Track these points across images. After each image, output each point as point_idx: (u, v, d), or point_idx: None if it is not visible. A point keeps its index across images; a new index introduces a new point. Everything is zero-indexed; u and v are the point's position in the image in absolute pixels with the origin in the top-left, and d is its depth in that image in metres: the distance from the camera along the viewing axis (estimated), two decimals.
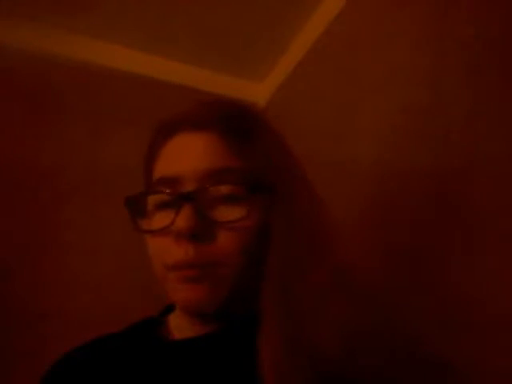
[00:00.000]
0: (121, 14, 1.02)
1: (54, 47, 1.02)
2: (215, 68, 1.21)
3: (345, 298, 0.38)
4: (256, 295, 0.39)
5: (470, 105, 0.60)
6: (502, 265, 0.53)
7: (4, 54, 0.96)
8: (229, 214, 0.40)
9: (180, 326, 0.46)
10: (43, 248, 0.90)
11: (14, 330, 0.81)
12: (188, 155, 0.42)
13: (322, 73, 1.02)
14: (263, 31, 1.09)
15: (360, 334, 0.37)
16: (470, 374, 0.48)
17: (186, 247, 0.39)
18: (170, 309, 0.50)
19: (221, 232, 0.40)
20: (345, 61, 0.93)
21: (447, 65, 0.65)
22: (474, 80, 0.60)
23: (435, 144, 0.65)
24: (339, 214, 0.49)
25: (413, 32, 0.74)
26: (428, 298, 0.61)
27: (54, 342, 0.48)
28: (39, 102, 0.99)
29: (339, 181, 0.85)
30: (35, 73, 0.99)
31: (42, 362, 0.47)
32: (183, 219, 0.39)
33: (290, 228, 0.41)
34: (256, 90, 1.27)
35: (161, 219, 0.42)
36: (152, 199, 0.44)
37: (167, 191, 0.42)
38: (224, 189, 0.41)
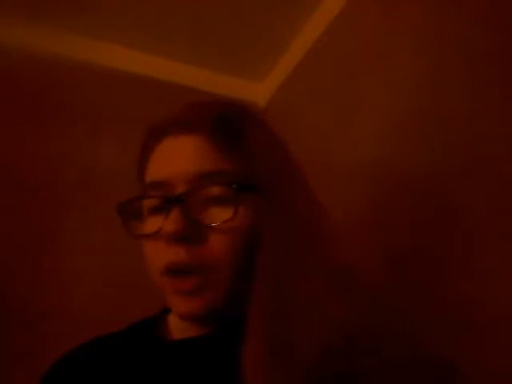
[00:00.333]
0: (121, 14, 1.02)
1: (54, 47, 1.02)
2: (215, 68, 1.21)
3: (340, 300, 0.38)
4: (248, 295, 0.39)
5: (470, 105, 0.60)
6: (502, 265, 0.53)
7: (3, 54, 0.95)
8: (218, 215, 0.40)
9: (179, 326, 0.46)
10: (43, 248, 0.90)
11: (14, 329, 0.81)
12: (177, 158, 0.42)
13: (322, 73, 1.02)
14: (263, 31, 1.09)
15: (357, 335, 0.37)
16: (470, 374, 0.48)
17: (176, 250, 0.39)
18: (168, 309, 0.50)
19: (210, 234, 0.40)
20: (345, 61, 0.93)
21: (447, 65, 0.65)
22: (473, 80, 0.60)
23: (435, 144, 0.65)
24: (338, 214, 0.49)
25: (413, 32, 0.74)
26: (427, 299, 0.61)
27: (53, 341, 0.49)
28: (38, 102, 0.99)
29: (339, 181, 0.84)
30: (34, 72, 0.99)
31: (41, 361, 0.47)
32: (172, 222, 0.39)
33: (280, 230, 0.41)
34: (256, 90, 1.27)
35: (153, 223, 0.42)
36: (145, 204, 0.44)
37: (156, 195, 0.42)
38: (213, 191, 0.41)
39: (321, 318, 0.37)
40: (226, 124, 0.44)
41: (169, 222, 0.39)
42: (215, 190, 0.41)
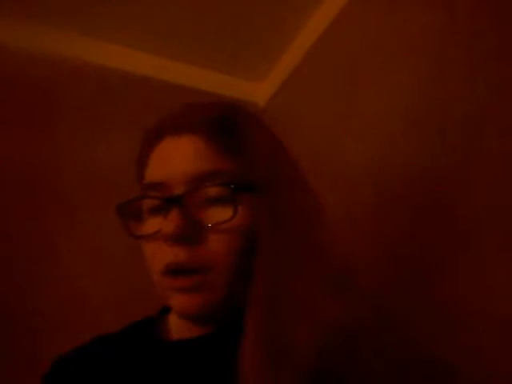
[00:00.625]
0: (121, 14, 1.02)
1: (54, 47, 1.02)
2: (215, 68, 1.21)
3: (338, 301, 0.38)
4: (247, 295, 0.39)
5: (470, 105, 0.60)
6: (500, 264, 0.53)
7: (3, 54, 0.95)
8: (217, 216, 0.40)
9: (179, 327, 0.46)
10: (43, 248, 0.90)
11: (14, 329, 0.81)
12: (176, 159, 0.42)
13: (322, 73, 1.02)
14: (263, 31, 1.09)
15: (356, 336, 0.37)
16: (470, 374, 0.48)
17: (176, 250, 0.40)
18: (168, 308, 0.50)
19: (209, 234, 0.40)
20: (345, 61, 0.93)
21: (445, 67, 0.65)
22: (474, 81, 0.60)
23: (433, 146, 0.65)
24: (338, 213, 0.49)
25: (412, 33, 0.74)
26: (426, 300, 0.61)
27: (54, 341, 0.49)
28: (38, 102, 0.99)
29: (339, 181, 0.85)
30: (33, 72, 0.99)
31: (42, 362, 0.47)
32: (171, 223, 0.39)
33: (279, 230, 0.41)
34: (256, 90, 1.27)
35: (152, 224, 0.42)
36: (145, 205, 0.44)
37: (155, 196, 0.42)
38: (211, 191, 0.41)
39: (319, 319, 0.37)
40: (224, 125, 0.44)
41: (168, 223, 0.39)
42: (214, 191, 0.41)
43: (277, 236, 0.40)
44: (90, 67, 1.06)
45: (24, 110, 0.97)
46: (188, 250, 0.40)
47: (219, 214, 0.40)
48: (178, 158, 0.42)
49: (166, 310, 0.50)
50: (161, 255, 0.41)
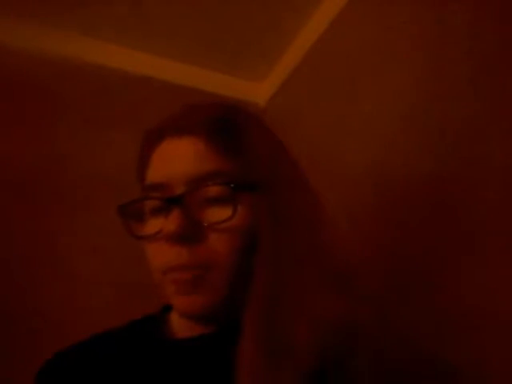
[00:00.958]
0: (120, 14, 1.02)
1: (53, 47, 1.02)
2: (215, 68, 1.21)
3: (338, 301, 0.38)
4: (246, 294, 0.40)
5: (470, 106, 0.60)
6: (502, 264, 0.53)
7: (2, 54, 0.95)
8: (217, 215, 0.40)
9: (181, 325, 0.46)
10: (43, 247, 0.90)
11: (14, 329, 0.81)
12: (176, 160, 0.43)
13: (322, 73, 1.02)
14: (263, 31, 1.09)
15: (356, 336, 0.37)
16: (470, 374, 0.48)
17: (178, 250, 0.40)
18: (169, 307, 0.50)
19: (210, 233, 0.41)
20: (345, 61, 0.93)
21: (446, 67, 0.65)
22: (473, 81, 0.60)
23: (433, 146, 0.65)
24: (339, 214, 0.49)
25: (412, 32, 0.74)
26: (426, 300, 0.61)
27: (53, 341, 0.49)
28: (38, 102, 0.99)
29: (339, 180, 0.84)
30: (33, 72, 0.99)
31: (41, 362, 0.47)
32: (172, 223, 0.39)
33: (279, 229, 0.41)
34: (256, 90, 1.27)
35: (153, 224, 0.43)
36: (146, 205, 0.44)
37: (156, 196, 0.43)
38: (212, 191, 0.41)
39: (319, 318, 0.37)
40: (225, 125, 0.44)
41: (169, 223, 0.40)
42: (214, 190, 0.41)
43: (277, 235, 0.41)
44: (90, 67, 1.06)
45: (24, 109, 0.97)
46: (189, 250, 0.40)
47: (220, 214, 0.40)
48: (179, 158, 0.43)
49: (167, 309, 0.51)
50: (162, 255, 0.41)
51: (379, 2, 0.84)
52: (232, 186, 0.40)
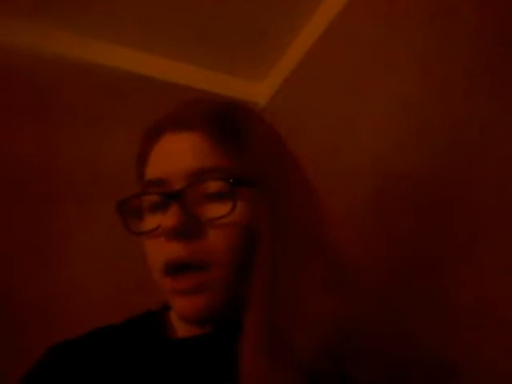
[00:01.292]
0: (120, 13, 1.02)
1: (53, 46, 1.02)
2: (215, 68, 1.21)
3: (338, 298, 0.38)
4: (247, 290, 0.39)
5: (470, 104, 0.60)
6: (503, 264, 0.53)
7: (2, 53, 0.95)
8: (216, 211, 0.40)
9: (181, 324, 0.45)
10: (43, 245, 0.90)
11: (15, 327, 0.81)
12: (175, 156, 0.42)
13: (323, 73, 1.02)
14: (263, 31, 1.09)
15: (356, 334, 0.37)
16: (469, 375, 0.48)
17: (175, 246, 0.40)
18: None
19: (209, 229, 0.40)
20: (345, 61, 0.93)
21: (447, 65, 0.65)
22: (473, 80, 0.60)
23: (434, 148, 0.65)
24: (340, 212, 0.49)
25: (413, 32, 0.74)
26: (426, 299, 0.61)
27: (57, 337, 0.48)
28: (38, 102, 0.99)
29: (339, 180, 0.84)
30: (33, 72, 0.99)
31: None
32: (170, 218, 0.39)
33: (278, 225, 0.41)
34: (256, 90, 1.27)
35: (152, 220, 0.42)
36: (145, 202, 0.44)
37: (154, 192, 0.42)
38: (211, 186, 0.41)
39: (319, 317, 0.37)
40: (224, 120, 0.44)
41: (167, 218, 0.39)
42: (213, 186, 0.41)
43: (277, 232, 0.40)
44: (90, 67, 1.05)
45: (24, 109, 0.97)
46: (187, 246, 0.39)
47: (219, 209, 0.40)
48: (178, 154, 0.42)
49: (167, 306, 0.50)
50: (161, 251, 0.41)
51: (379, 2, 0.84)
52: (231, 181, 0.40)
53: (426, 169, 0.66)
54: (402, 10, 0.77)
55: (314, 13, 1.03)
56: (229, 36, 1.10)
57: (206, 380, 0.40)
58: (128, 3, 0.99)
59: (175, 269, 0.40)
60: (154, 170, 0.44)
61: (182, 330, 0.45)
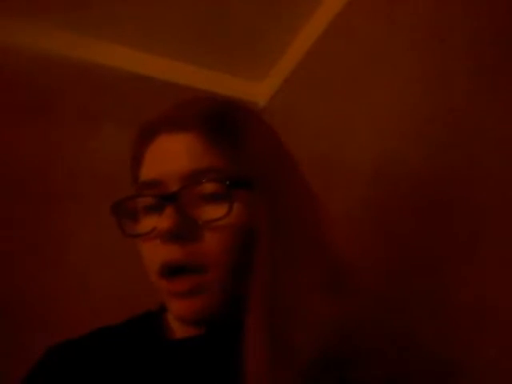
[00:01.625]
0: (120, 13, 1.01)
1: (53, 46, 1.02)
2: (215, 67, 1.21)
3: (337, 299, 0.38)
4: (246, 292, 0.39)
5: (470, 104, 0.60)
6: (503, 263, 0.53)
7: (2, 53, 0.95)
8: (212, 213, 0.40)
9: (178, 324, 0.45)
10: (42, 247, 0.90)
11: (15, 328, 0.81)
12: (170, 157, 0.42)
13: (323, 73, 1.02)
14: (263, 31, 1.09)
15: (356, 335, 0.37)
16: (469, 375, 0.48)
17: (171, 248, 0.39)
18: None
19: (205, 231, 0.40)
20: (345, 61, 0.93)
21: (447, 66, 0.65)
22: (473, 81, 0.60)
23: (434, 148, 0.65)
24: (339, 213, 0.49)
25: (413, 32, 0.74)
26: (426, 299, 0.61)
27: (59, 336, 0.49)
28: (38, 101, 0.99)
29: (339, 180, 0.84)
30: (32, 71, 0.99)
31: None
32: (166, 220, 0.39)
33: (276, 226, 0.40)
34: (256, 90, 1.27)
35: (147, 223, 0.42)
36: (140, 203, 0.43)
37: (150, 194, 0.42)
38: (206, 188, 0.40)
39: (319, 318, 0.36)
40: (219, 120, 0.43)
41: (163, 220, 0.39)
42: (209, 187, 0.40)
43: (275, 233, 0.40)
44: (90, 67, 1.05)
45: (24, 109, 0.97)
46: (183, 248, 0.39)
47: (215, 211, 0.40)
48: (173, 155, 0.42)
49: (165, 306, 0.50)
50: (156, 254, 0.40)
51: (379, 2, 0.84)
52: (227, 182, 0.40)
53: (426, 169, 0.66)
54: (402, 10, 0.77)
55: (313, 13, 1.03)
56: (229, 36, 1.10)
57: (204, 381, 0.40)
58: (128, 3, 0.99)
59: (171, 271, 0.40)
60: (148, 172, 0.43)
61: (179, 330, 0.45)
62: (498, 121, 0.56)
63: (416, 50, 0.72)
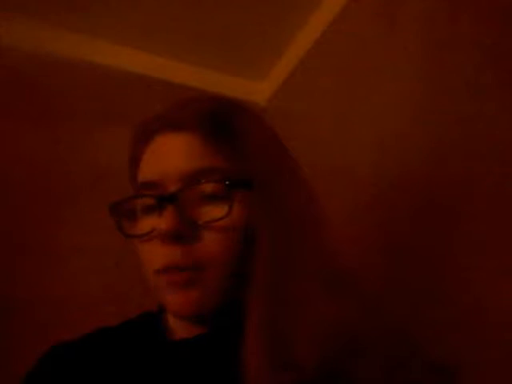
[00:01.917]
0: (119, 13, 1.02)
1: (54, 46, 1.02)
2: (215, 67, 1.21)
3: (337, 300, 0.38)
4: (245, 294, 0.39)
5: (471, 109, 0.60)
6: (503, 265, 0.53)
7: (3, 53, 0.95)
8: (212, 213, 0.39)
9: (177, 325, 0.45)
10: (41, 246, 0.90)
11: (14, 328, 0.81)
12: (169, 157, 0.41)
13: (323, 72, 1.02)
14: (264, 30, 1.09)
15: (355, 336, 0.37)
16: (469, 375, 0.48)
17: (171, 249, 0.39)
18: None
19: (205, 232, 0.40)
20: (345, 60, 0.93)
21: (447, 66, 0.65)
22: (474, 84, 0.60)
23: (434, 148, 0.65)
24: (339, 212, 0.49)
25: (413, 32, 0.74)
26: (426, 300, 0.61)
27: (57, 336, 0.49)
28: (38, 101, 0.99)
29: (338, 180, 0.84)
30: (31, 71, 0.99)
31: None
32: (165, 221, 0.38)
33: (276, 227, 0.40)
34: (256, 90, 1.27)
35: (146, 223, 0.41)
36: (138, 204, 0.43)
37: (149, 194, 0.41)
38: (206, 188, 0.40)
39: (320, 319, 0.36)
40: (218, 120, 0.43)
41: (162, 221, 0.39)
42: (208, 188, 0.40)
43: (274, 234, 0.40)
44: (90, 67, 1.05)
45: (25, 109, 0.97)
46: (183, 249, 0.39)
47: (214, 212, 0.39)
48: (172, 155, 0.41)
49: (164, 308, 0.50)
50: (155, 255, 0.40)
51: (378, 3, 0.84)
52: (227, 183, 0.39)
53: (426, 171, 0.66)
54: (402, 10, 0.77)
55: (313, 13, 1.03)
56: (229, 36, 1.10)
57: (204, 381, 0.40)
58: (128, 3, 0.99)
59: (170, 270, 0.39)
60: (147, 172, 0.43)
61: (179, 331, 0.45)
62: (498, 122, 0.56)
63: (416, 51, 0.72)
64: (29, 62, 0.98)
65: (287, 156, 0.47)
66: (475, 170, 0.58)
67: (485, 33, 0.59)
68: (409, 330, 0.45)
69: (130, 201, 0.43)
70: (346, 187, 0.83)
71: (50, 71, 1.00)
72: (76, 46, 1.05)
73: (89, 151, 1.01)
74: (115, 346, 0.45)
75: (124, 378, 0.41)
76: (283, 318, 0.37)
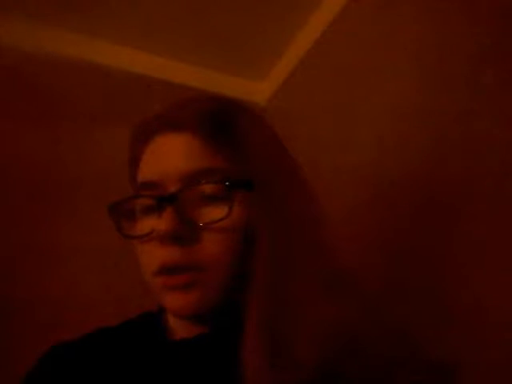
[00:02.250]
0: (119, 13, 1.01)
1: (52, 45, 1.02)
2: (215, 67, 1.21)
3: (337, 300, 0.38)
4: (245, 294, 0.39)
5: (470, 109, 0.60)
6: (503, 264, 0.53)
7: (2, 53, 0.95)
8: (211, 214, 0.39)
9: (177, 325, 0.45)
10: (42, 247, 0.90)
11: (14, 328, 0.81)
12: (168, 158, 0.41)
13: (323, 72, 1.02)
14: (264, 30, 1.09)
15: (355, 336, 0.37)
16: (469, 376, 0.48)
17: (171, 250, 0.39)
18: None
19: (204, 233, 0.39)
20: (345, 61, 0.93)
21: (447, 67, 0.65)
22: (473, 84, 0.60)
23: (434, 148, 0.65)
24: (339, 212, 0.49)
25: (413, 33, 0.73)
26: (426, 300, 0.61)
27: (55, 337, 0.49)
28: (38, 101, 0.99)
29: (338, 180, 0.84)
30: (33, 72, 0.99)
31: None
32: (165, 222, 0.38)
33: (276, 228, 0.40)
34: (256, 90, 1.27)
35: (145, 224, 0.41)
36: (138, 204, 0.43)
37: (148, 195, 0.41)
38: (206, 189, 0.40)
39: (319, 319, 0.36)
40: (217, 120, 0.42)
41: (162, 222, 0.38)
42: (208, 188, 0.40)
43: (274, 235, 0.39)
44: (90, 67, 1.05)
45: (25, 109, 0.97)
46: (182, 250, 0.39)
47: (214, 213, 0.39)
48: (171, 156, 0.41)
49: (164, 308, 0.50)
50: (154, 256, 0.40)
51: (379, 2, 0.84)
52: (227, 183, 0.39)
53: (426, 171, 0.66)
54: (402, 10, 0.77)
55: (313, 13, 1.03)
56: (229, 36, 1.10)
57: (204, 381, 0.40)
58: (128, 3, 0.99)
59: (169, 271, 0.39)
60: (147, 172, 0.43)
61: (179, 331, 0.45)
62: (498, 123, 0.56)
63: (416, 51, 0.72)
64: (29, 62, 0.98)
65: (287, 156, 0.46)
66: (475, 169, 0.58)
67: (485, 33, 0.59)
68: (409, 329, 0.45)
69: (130, 201, 0.43)
70: (346, 187, 0.83)
71: (50, 71, 1.00)
72: (76, 46, 1.05)
73: (89, 151, 1.01)
74: (115, 346, 0.45)
75: (124, 378, 0.41)
76: (283, 317, 0.37)
